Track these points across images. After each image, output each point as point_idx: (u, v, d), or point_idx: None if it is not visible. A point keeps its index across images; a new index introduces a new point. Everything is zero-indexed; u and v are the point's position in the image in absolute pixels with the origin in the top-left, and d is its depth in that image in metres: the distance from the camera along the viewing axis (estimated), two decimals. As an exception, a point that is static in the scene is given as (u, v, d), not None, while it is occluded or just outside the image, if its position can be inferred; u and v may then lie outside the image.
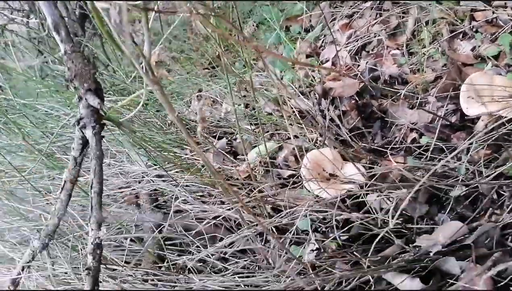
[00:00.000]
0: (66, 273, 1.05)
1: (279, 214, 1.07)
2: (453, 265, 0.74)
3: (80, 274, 1.06)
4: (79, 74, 0.49)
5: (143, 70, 0.45)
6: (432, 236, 0.83)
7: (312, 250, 1.02)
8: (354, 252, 0.89)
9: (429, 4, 1.42)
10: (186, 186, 1.18)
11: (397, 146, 1.16)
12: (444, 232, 0.83)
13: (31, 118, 1.55)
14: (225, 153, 1.37)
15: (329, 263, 0.89)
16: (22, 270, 0.79)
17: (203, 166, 1.26)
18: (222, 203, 1.22)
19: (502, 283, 0.72)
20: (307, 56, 1.66)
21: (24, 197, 1.30)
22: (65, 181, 0.65)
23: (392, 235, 0.87)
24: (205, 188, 1.22)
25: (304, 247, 1.06)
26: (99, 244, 0.54)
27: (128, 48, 0.45)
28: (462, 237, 0.83)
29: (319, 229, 1.04)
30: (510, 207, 0.88)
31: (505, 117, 1.03)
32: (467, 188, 0.93)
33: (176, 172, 1.21)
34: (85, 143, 0.56)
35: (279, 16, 2.00)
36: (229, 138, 1.45)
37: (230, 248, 1.19)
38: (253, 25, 1.93)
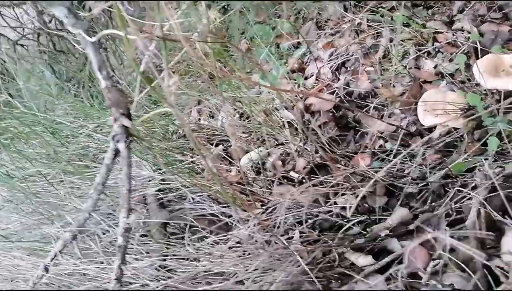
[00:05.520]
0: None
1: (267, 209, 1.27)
2: (395, 245, 0.95)
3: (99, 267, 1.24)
4: (116, 103, 0.69)
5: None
6: (385, 223, 1.04)
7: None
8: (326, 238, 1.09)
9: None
10: (187, 187, 1.38)
11: (366, 150, 1.37)
12: (393, 217, 1.04)
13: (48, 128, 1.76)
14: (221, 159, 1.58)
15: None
16: (54, 257, 0.97)
17: (202, 170, 1.47)
18: (219, 203, 1.42)
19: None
20: (294, 72, 1.87)
21: (46, 200, 1.50)
22: (97, 183, 0.84)
23: (357, 225, 1.07)
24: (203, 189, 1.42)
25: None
26: (128, 228, 0.74)
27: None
28: (409, 221, 1.04)
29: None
30: (454, 199, 1.09)
31: (453, 126, 1.23)
32: (419, 185, 1.14)
33: (179, 175, 1.41)
34: (116, 153, 0.75)
35: (270, 34, 2.22)
36: (225, 145, 1.65)
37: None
38: (247, 43, 2.14)
